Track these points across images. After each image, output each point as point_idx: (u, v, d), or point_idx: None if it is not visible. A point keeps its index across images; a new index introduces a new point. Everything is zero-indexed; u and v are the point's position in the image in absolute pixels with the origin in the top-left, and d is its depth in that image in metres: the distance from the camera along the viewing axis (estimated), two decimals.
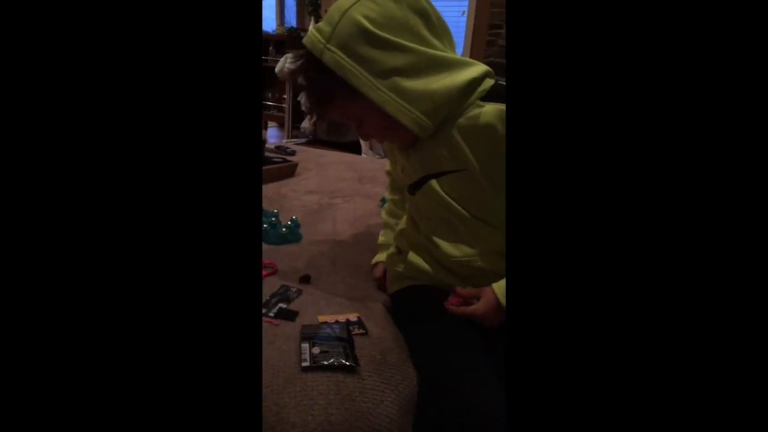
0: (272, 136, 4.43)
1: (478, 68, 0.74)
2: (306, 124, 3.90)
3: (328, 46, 0.70)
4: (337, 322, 0.84)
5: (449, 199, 0.80)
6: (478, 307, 0.76)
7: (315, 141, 3.81)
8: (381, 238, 1.09)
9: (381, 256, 1.04)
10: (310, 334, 0.79)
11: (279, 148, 2.17)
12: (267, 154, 1.98)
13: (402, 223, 0.98)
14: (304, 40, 0.74)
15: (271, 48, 4.43)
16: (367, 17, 0.69)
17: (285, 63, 3.73)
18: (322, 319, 0.86)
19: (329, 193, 1.67)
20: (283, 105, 4.22)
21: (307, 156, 2.18)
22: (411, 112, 0.73)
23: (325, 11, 4.35)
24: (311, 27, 4.51)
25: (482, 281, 0.82)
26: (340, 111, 0.78)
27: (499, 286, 0.76)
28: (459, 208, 0.80)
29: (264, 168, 1.73)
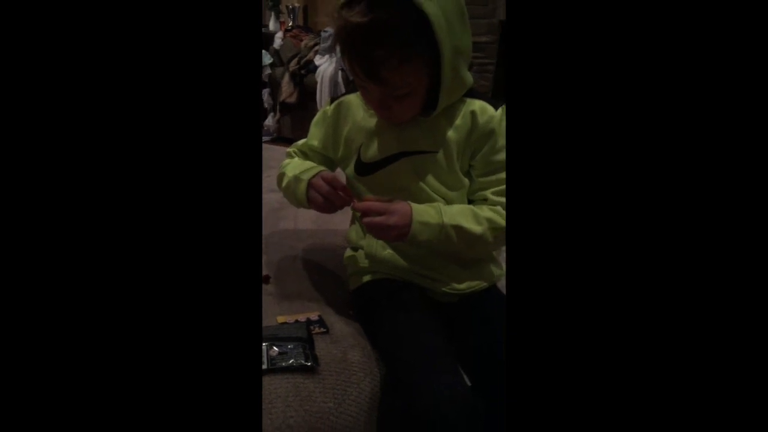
0: None
1: None
2: (270, 121, 3.84)
3: None
4: (297, 321, 0.83)
5: (416, 176, 0.82)
6: (391, 205, 0.76)
7: (279, 139, 3.75)
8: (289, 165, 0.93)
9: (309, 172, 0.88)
10: (268, 336, 0.77)
11: None
12: None
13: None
14: None
15: None
16: None
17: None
18: (281, 319, 0.84)
19: None
20: None
21: (269, 154, 2.13)
22: (452, 95, 0.77)
23: (286, 7, 4.29)
24: (271, 21, 4.33)
25: (441, 265, 0.83)
26: (404, 74, 0.72)
27: (417, 206, 0.76)
28: (423, 186, 0.81)
29: None
